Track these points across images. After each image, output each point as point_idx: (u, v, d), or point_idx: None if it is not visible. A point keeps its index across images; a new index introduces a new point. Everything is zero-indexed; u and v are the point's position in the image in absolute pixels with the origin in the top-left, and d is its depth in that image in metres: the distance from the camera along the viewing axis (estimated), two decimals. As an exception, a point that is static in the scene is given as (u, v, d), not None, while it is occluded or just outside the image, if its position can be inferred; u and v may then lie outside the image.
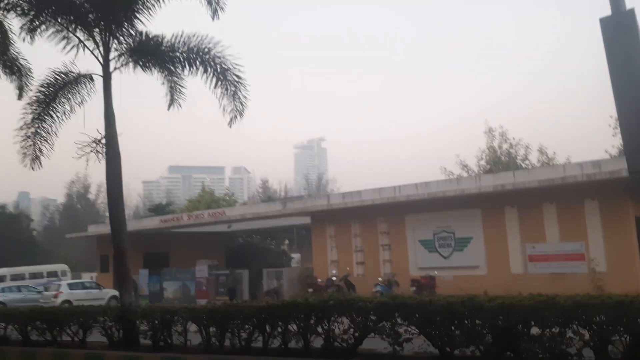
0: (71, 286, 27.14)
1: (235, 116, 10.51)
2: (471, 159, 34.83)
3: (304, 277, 26.02)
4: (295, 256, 44.77)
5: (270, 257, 38.34)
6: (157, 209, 50.71)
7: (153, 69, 10.84)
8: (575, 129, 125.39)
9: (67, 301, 25.25)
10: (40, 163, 11.02)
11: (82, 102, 10.89)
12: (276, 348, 7.77)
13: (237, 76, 10.31)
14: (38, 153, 11.02)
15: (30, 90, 14.58)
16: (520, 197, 19.67)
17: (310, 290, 23.28)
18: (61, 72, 10.71)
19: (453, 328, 6.42)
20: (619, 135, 33.47)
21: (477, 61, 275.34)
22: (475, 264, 20.72)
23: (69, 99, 10.85)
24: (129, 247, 10.57)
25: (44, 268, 40.47)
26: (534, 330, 6.11)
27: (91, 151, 10.17)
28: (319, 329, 7.48)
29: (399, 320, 6.83)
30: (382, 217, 23.36)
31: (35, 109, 10.85)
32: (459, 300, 6.39)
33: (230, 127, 10.49)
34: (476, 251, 20.74)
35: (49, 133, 10.91)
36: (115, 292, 29.31)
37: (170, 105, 11.79)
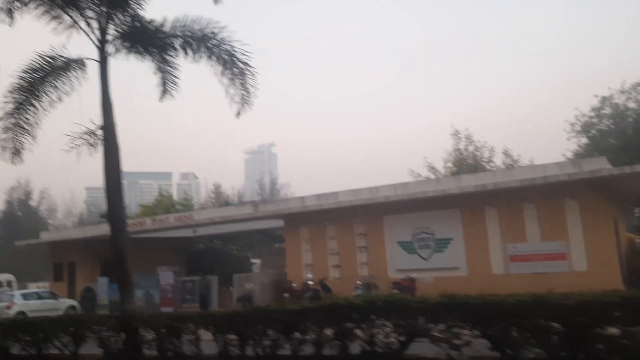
0: (25, 296, 25.32)
1: (244, 105, 9.79)
2: (438, 161, 35.00)
3: (276, 282, 25.28)
4: (256, 261, 43.84)
5: (233, 262, 37.26)
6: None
7: (148, 55, 9.97)
8: (533, 133, 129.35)
9: (22, 312, 23.52)
10: (21, 158, 9.93)
11: (71, 90, 9.88)
12: (308, 355, 7.13)
13: (245, 63, 9.61)
14: (19, 146, 9.93)
15: (10, 76, 13.50)
16: (500, 197, 19.71)
17: (287, 295, 22.60)
18: (49, 57, 9.69)
19: (518, 328, 5.99)
20: (574, 140, 34.42)
21: (444, 65, 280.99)
22: (455, 265, 20.60)
23: (56, 86, 9.82)
24: (127, 248, 9.65)
25: (3, 277, 37.85)
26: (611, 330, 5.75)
27: (85, 143, 9.21)
28: (359, 333, 6.90)
29: (456, 321, 6.34)
30: (359, 219, 22.94)
31: (17, 98, 9.76)
32: (531, 298, 5.97)
33: (238, 117, 9.77)
34: (456, 252, 20.63)
35: (32, 124, 9.85)
36: (73, 302, 27.75)
37: (162, 96, 10.93)
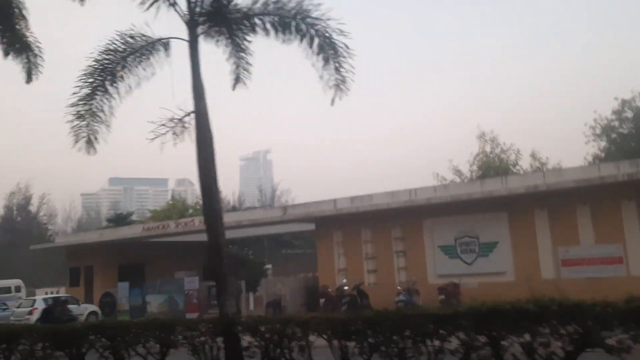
0: (47, 302, 24.31)
1: (340, 91, 9.00)
2: (456, 165, 34.27)
3: (308, 287, 24.49)
4: (269, 267, 42.96)
5: (249, 268, 36.45)
6: (118, 220, 47.47)
7: (231, 37, 9.18)
8: (554, 136, 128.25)
9: (43, 318, 22.51)
10: (95, 148, 9.10)
11: (151, 74, 9.06)
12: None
13: (343, 44, 8.82)
14: (93, 135, 9.10)
15: (40, 72, 12.76)
16: (551, 199, 19.02)
17: (322, 300, 21.77)
18: (129, 36, 8.87)
19: None
20: (593, 143, 33.80)
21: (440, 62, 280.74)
22: (501, 270, 19.86)
23: (136, 69, 9.01)
24: (224, 244, 8.81)
25: (12, 282, 36.83)
26: None
27: (172, 131, 8.39)
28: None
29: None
30: (396, 222, 22.19)
31: (92, 82, 8.94)
32: None
33: (332, 104, 8.98)
34: (503, 256, 19.90)
35: (107, 112, 9.02)
36: (95, 308, 26.75)
37: (235, 84, 10.13)
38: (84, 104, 8.90)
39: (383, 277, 22.29)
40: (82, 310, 25.00)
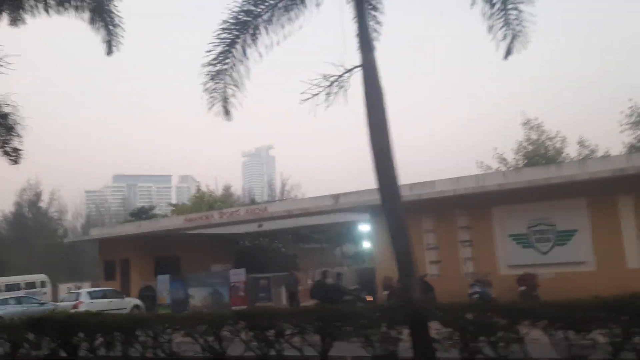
0: (91, 295, 23.20)
1: (512, 42, 7.85)
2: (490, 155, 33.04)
3: (363, 279, 23.47)
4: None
5: (281, 260, 35.41)
6: (139, 213, 46.36)
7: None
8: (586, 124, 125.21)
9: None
10: (230, 113, 7.96)
11: (299, 27, 7.90)
12: None
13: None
14: (228, 99, 7.97)
15: (121, 43, 11.82)
16: (637, 183, 17.94)
17: (386, 292, 20.67)
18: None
19: None
20: (628, 132, 32.64)
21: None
22: (581, 260, 18.77)
23: (281, 21, 7.85)
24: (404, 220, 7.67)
25: (21, 279, 35.79)
26: None
27: (327, 91, 7.26)
28: None
29: None
30: (462, 210, 21.10)
31: (227, 38, 7.80)
32: None
33: (506, 58, 7.85)
34: (582, 245, 18.82)
35: (242, 73, 7.87)
36: (138, 301, 25.61)
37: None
38: (218, 63, 7.75)
39: (447, 268, 21.20)
40: (126, 303, 23.89)
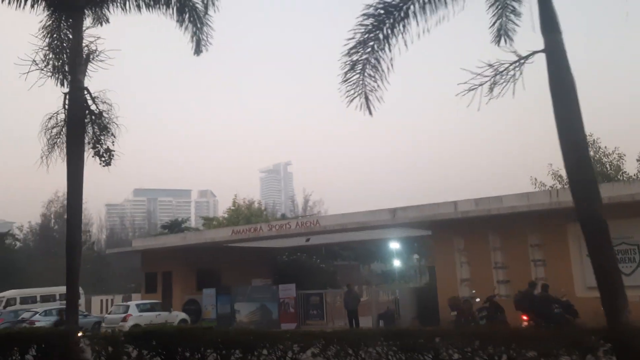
0: (140, 307, 22.32)
1: None
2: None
3: (420, 298, 22.31)
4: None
5: (320, 276, 34.35)
6: (172, 226, 45.73)
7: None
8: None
9: (137, 325, 20.50)
10: (371, 107, 7.05)
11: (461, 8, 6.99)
12: None
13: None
14: (369, 91, 7.08)
15: (210, 43, 11.30)
16: None
17: (454, 313, 19.46)
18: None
19: None
20: None
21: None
22: (669, 282, 17.43)
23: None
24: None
25: (57, 290, 35.02)
26: None
27: (492, 81, 6.30)
28: None
29: None
30: (533, 227, 19.90)
31: (372, 22, 6.92)
32: None
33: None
34: (671, 267, 17.53)
35: (384, 62, 6.98)
36: (185, 315, 24.62)
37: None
38: (358, 50, 6.87)
39: (518, 288, 19.90)
40: (173, 317, 22.93)
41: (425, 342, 6.21)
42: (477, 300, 19.39)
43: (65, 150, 9.89)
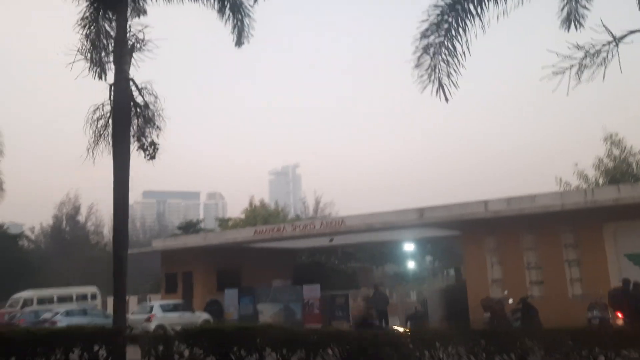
0: (164, 308, 22.02)
1: None
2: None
3: (448, 298, 21.89)
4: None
5: (340, 277, 33.93)
6: (187, 227, 45.51)
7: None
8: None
9: (161, 326, 20.23)
10: (446, 92, 6.71)
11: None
12: None
13: None
14: (443, 77, 6.74)
15: (252, 35, 11.01)
16: None
17: (487, 314, 19.02)
18: None
19: None
20: None
21: None
22: None
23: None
24: None
25: (73, 290, 35.06)
26: None
27: (580, 65, 5.96)
28: None
29: None
30: (567, 227, 19.45)
31: (446, 6, 6.59)
32: None
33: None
34: None
35: (459, 44, 6.63)
36: (207, 316, 24.27)
37: None
38: (431, 34, 6.52)
39: (551, 289, 19.50)
40: (196, 318, 22.60)
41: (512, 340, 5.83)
42: (510, 301, 18.97)
43: (110, 142, 9.59)
